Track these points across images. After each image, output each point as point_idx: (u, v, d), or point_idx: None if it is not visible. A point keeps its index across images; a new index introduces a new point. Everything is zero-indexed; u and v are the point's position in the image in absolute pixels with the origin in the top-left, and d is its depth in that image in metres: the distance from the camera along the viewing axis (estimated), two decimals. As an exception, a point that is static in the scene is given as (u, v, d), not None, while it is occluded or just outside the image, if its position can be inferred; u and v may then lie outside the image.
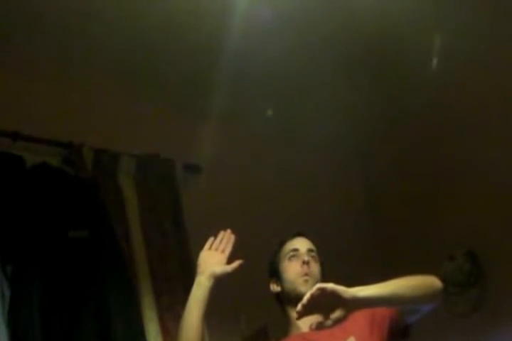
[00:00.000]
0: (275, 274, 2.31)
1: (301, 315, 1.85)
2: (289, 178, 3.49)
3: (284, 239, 2.38)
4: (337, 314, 1.82)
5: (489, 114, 3.27)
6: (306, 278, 2.21)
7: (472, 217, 3.28)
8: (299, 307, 1.83)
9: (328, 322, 1.82)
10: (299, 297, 2.08)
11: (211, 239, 2.30)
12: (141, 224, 2.89)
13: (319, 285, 1.85)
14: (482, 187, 3.26)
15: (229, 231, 2.31)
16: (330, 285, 1.83)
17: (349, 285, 1.89)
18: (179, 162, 3.12)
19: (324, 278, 2.23)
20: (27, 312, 2.37)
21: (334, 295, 1.81)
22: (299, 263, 2.25)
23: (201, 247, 2.96)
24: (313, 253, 2.30)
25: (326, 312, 1.83)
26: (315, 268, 2.26)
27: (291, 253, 2.29)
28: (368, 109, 3.48)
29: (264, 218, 3.27)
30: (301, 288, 2.18)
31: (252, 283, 3.00)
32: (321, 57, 3.11)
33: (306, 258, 2.25)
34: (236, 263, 2.22)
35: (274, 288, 2.31)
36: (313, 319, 2.09)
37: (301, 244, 2.32)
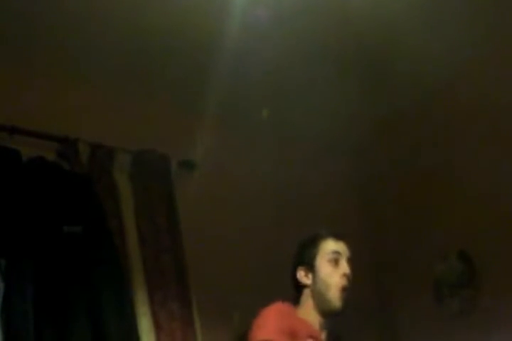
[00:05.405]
0: (308, 265, 2.30)
1: None
2: (284, 176, 3.49)
3: (323, 233, 2.36)
4: None
5: (480, 118, 3.28)
6: (343, 293, 2.24)
7: (465, 217, 3.28)
8: None
9: None
10: (332, 310, 2.22)
11: None
12: (135, 220, 2.89)
13: None
14: (475, 188, 3.27)
15: None
16: None
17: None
18: (174, 158, 3.12)
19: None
20: (20, 306, 2.37)
21: None
22: (339, 273, 2.27)
23: (195, 243, 2.99)
24: (350, 266, 2.30)
25: None
26: (349, 282, 2.28)
27: (333, 256, 2.29)
28: (362, 111, 3.50)
29: (258, 215, 3.27)
30: (337, 304, 2.23)
31: (245, 280, 3.02)
32: (317, 57, 3.11)
33: (347, 271, 2.27)
34: None
35: (303, 277, 2.30)
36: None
37: (343, 250, 2.32)
